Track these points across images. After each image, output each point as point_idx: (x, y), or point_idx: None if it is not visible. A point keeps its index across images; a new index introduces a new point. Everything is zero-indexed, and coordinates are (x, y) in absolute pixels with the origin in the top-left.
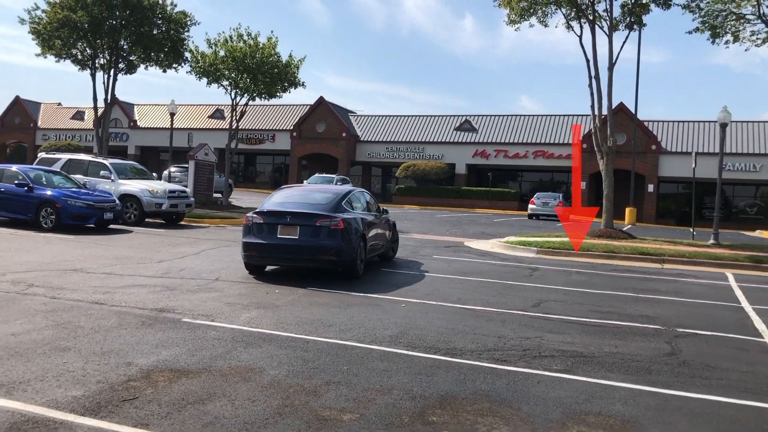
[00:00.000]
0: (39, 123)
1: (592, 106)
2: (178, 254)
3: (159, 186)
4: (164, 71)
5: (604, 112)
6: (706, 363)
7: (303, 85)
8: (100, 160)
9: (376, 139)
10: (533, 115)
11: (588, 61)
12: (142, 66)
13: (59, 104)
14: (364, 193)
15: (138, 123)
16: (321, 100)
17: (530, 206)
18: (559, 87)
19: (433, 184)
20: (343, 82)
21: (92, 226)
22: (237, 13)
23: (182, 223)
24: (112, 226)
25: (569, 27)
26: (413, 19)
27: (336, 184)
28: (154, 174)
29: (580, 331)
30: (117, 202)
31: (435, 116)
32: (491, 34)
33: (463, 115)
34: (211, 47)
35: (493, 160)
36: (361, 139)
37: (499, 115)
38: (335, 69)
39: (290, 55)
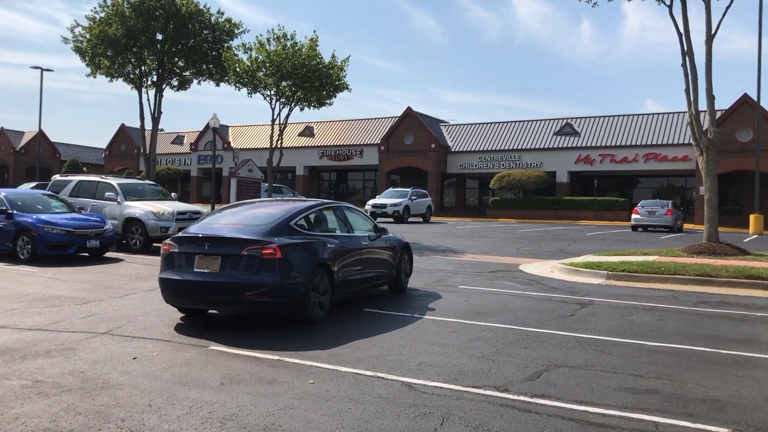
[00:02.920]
0: (142, 149)
1: (687, 90)
2: (127, 291)
3: (167, 208)
4: (217, 85)
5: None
6: None
7: (348, 88)
8: (108, 181)
9: (469, 149)
10: (643, 114)
11: (680, 35)
12: (195, 81)
13: (161, 130)
14: (342, 209)
15: (232, 144)
16: (409, 111)
17: (634, 216)
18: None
19: (532, 194)
20: (461, 97)
21: (86, 255)
22: (349, 37)
23: None
24: (109, 254)
25: None
26: (528, 27)
27: (410, 198)
28: (173, 194)
29: None
30: (107, 227)
31: (532, 121)
32: (611, 38)
33: (563, 119)
34: (246, 52)
35: (599, 165)
36: (452, 149)
37: (604, 116)
38: (452, 84)
39: (333, 56)
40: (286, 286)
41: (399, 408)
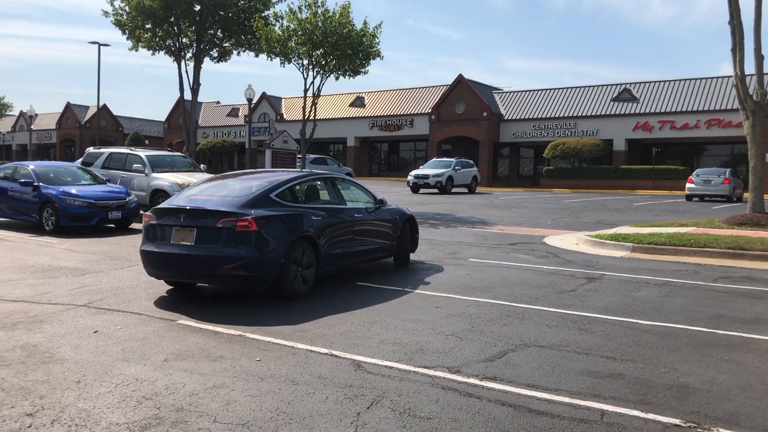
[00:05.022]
0: (199, 121)
1: (733, 50)
2: (132, 262)
3: (192, 179)
4: (256, 56)
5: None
6: None
7: (380, 56)
8: (136, 153)
9: (522, 117)
10: (704, 78)
11: None
12: (235, 52)
13: (218, 102)
14: (334, 180)
15: (284, 116)
16: (460, 78)
17: (688, 185)
18: None
19: (589, 163)
20: (525, 64)
21: (111, 226)
22: (409, 5)
23: None
24: (135, 224)
25: None
26: None
27: (454, 168)
28: (202, 166)
29: None
30: (129, 198)
31: (588, 87)
32: (684, 1)
33: (621, 84)
34: (278, 20)
35: (658, 133)
36: (505, 117)
37: (664, 81)
38: (516, 51)
39: (365, 23)
40: (263, 259)
41: (332, 389)
